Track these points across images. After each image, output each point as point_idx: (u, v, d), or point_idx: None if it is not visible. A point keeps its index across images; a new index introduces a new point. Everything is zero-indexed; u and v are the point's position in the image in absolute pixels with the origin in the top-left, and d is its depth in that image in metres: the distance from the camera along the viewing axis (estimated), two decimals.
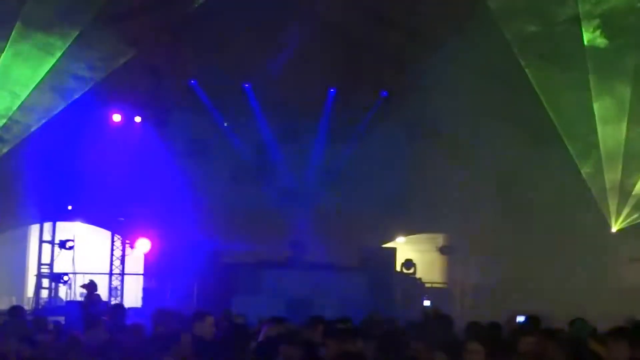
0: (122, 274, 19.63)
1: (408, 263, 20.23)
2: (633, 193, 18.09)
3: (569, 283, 17.65)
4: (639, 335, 6.22)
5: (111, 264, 19.62)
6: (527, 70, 17.06)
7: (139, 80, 18.51)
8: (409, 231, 22.14)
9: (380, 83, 19.91)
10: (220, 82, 18.51)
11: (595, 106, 16.94)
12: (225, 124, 20.15)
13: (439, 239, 22.29)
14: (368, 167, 20.68)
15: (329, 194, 20.45)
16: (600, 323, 9.08)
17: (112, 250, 19.75)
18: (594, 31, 16.61)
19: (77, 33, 14.73)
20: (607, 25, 16.57)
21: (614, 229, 18.68)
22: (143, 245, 18.81)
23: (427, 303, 18.36)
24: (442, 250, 21.71)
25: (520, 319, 9.65)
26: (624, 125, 17.22)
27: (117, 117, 18.87)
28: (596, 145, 17.62)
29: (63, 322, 11.44)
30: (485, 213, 19.38)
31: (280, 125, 20.48)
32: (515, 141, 18.37)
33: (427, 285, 20.31)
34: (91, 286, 15.23)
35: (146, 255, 19.40)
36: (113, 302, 18.17)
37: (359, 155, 20.80)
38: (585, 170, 18.08)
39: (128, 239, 19.47)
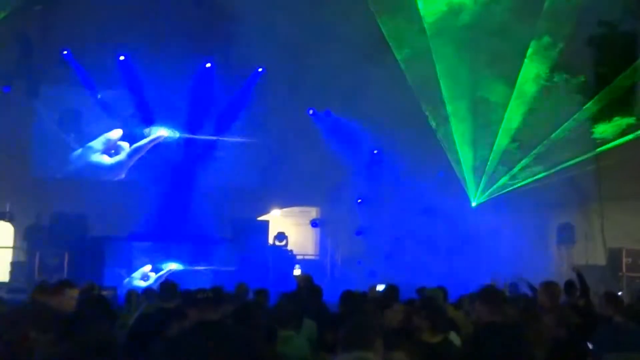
0: None
1: (280, 235, 20.66)
2: (486, 169, 19.29)
3: (432, 254, 18.54)
4: (492, 298, 6.69)
5: None
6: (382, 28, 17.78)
7: (9, 49, 17.94)
8: (283, 204, 22.52)
9: (256, 57, 20.03)
10: (94, 53, 18.17)
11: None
12: (99, 96, 19.79)
13: (312, 212, 22.79)
14: (244, 140, 20.86)
15: (205, 166, 20.51)
16: (460, 290, 9.80)
17: None
18: None
19: None
20: None
21: (473, 204, 19.88)
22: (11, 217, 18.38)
23: (297, 272, 18.80)
24: (313, 223, 22.24)
25: (380, 287, 10.18)
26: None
27: None
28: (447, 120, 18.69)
29: None
30: (355, 188, 20.06)
31: (155, 98, 20.31)
32: (383, 117, 19.04)
33: (299, 257, 20.82)
34: None
35: (17, 228, 18.94)
36: None
37: (235, 129, 20.94)
38: (446, 149, 19.13)
39: None
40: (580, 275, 10.04)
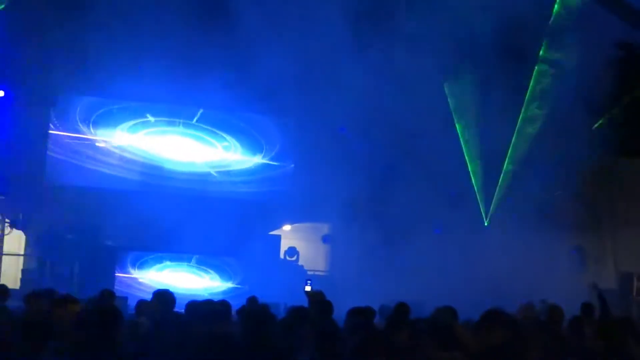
0: (0, 254, 19.12)
1: (291, 251, 20.64)
2: (498, 188, 19.28)
3: (445, 272, 18.45)
4: (490, 321, 6.67)
5: None
6: None
7: (25, 57, 17.94)
8: (295, 220, 22.50)
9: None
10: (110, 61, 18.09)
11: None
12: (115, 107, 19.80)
13: (324, 228, 22.76)
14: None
15: (217, 181, 20.52)
16: (472, 311, 9.68)
17: None
18: None
19: None
20: None
21: (486, 223, 19.83)
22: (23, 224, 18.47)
23: (308, 288, 18.69)
24: (325, 239, 22.20)
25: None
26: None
27: None
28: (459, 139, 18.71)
29: None
30: (367, 204, 20.01)
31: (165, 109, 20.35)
32: (396, 135, 19.05)
33: (310, 272, 20.76)
34: None
35: (29, 236, 19.00)
36: None
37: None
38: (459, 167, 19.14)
39: (8, 218, 19.00)
40: (601, 297, 9.71)
